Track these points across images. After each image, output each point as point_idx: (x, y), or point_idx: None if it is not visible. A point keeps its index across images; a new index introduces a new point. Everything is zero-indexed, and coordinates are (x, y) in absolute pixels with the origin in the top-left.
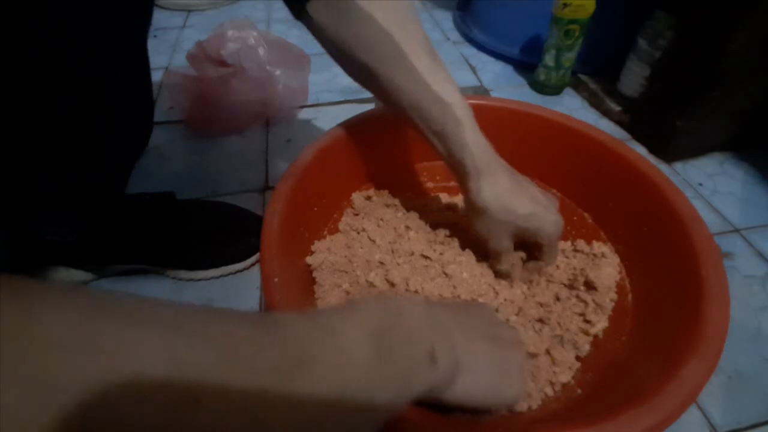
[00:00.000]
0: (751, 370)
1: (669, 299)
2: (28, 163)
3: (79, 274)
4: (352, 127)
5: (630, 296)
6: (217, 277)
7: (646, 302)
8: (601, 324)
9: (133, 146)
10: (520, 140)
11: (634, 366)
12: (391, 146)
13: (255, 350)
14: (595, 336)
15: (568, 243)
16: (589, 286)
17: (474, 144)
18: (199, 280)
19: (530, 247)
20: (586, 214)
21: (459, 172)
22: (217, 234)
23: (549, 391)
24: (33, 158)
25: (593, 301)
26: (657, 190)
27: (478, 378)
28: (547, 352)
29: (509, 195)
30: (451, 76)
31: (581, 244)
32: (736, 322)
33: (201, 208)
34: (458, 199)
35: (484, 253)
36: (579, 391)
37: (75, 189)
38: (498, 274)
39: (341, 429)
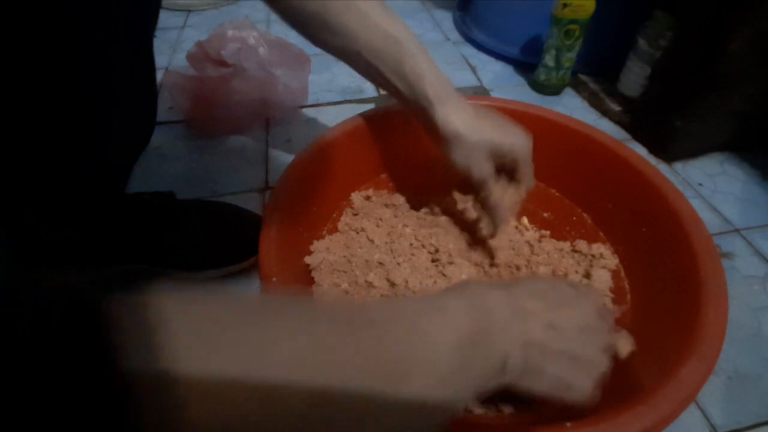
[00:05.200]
0: (751, 370)
1: (668, 300)
2: (29, 162)
3: (79, 275)
4: (350, 127)
5: (629, 297)
6: (218, 278)
7: (644, 303)
8: None
9: (135, 145)
10: None
11: (633, 366)
12: (390, 146)
13: (362, 361)
14: None
15: (567, 243)
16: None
17: (432, 74)
18: (199, 280)
19: (507, 172)
20: (585, 215)
21: (422, 106)
22: (217, 234)
23: None
24: (33, 157)
25: None
26: (656, 191)
27: (542, 379)
28: None
29: (476, 118)
30: (399, 18)
31: (581, 244)
32: (736, 322)
33: (201, 208)
34: (455, 198)
35: (477, 241)
36: None
37: (75, 188)
38: (486, 206)
39: (413, 429)
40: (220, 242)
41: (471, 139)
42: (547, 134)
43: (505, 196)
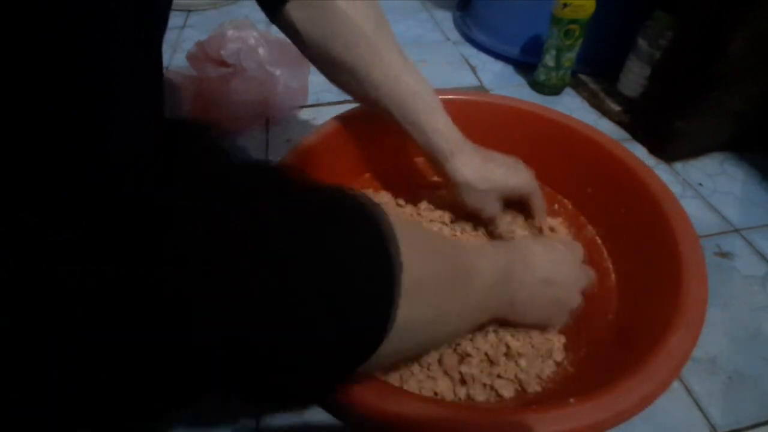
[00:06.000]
0: (751, 370)
1: (650, 276)
2: (29, 162)
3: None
4: (330, 129)
5: (613, 276)
6: None
7: (628, 281)
8: None
9: (137, 146)
10: (498, 130)
11: (623, 341)
12: (372, 146)
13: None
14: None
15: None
16: None
17: (446, 129)
18: None
19: (520, 206)
20: (566, 201)
21: (436, 157)
22: None
23: (545, 371)
24: (33, 157)
25: None
26: (629, 171)
27: (531, 317)
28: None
29: (483, 167)
30: (417, 68)
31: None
32: (736, 322)
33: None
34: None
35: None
36: (571, 369)
37: (75, 188)
38: (496, 235)
39: (457, 329)
40: None
41: (480, 187)
42: (524, 123)
43: (515, 222)
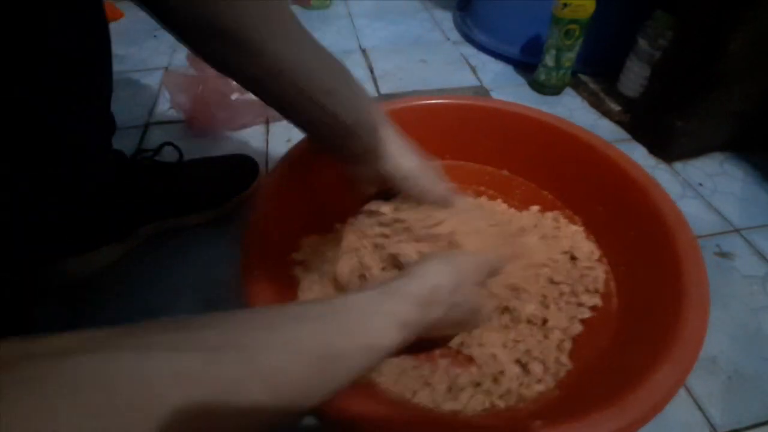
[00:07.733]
0: (751, 370)
1: (651, 305)
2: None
3: (105, 250)
4: None
5: (615, 300)
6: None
7: (630, 307)
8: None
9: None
10: (512, 142)
11: (612, 370)
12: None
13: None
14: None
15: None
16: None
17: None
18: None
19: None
20: (576, 217)
21: (360, 147)
22: (220, 173)
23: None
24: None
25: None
26: (643, 194)
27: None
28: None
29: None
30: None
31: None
32: (736, 322)
33: (200, 163)
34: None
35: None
36: (556, 392)
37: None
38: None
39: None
40: (225, 179)
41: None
42: (539, 136)
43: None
